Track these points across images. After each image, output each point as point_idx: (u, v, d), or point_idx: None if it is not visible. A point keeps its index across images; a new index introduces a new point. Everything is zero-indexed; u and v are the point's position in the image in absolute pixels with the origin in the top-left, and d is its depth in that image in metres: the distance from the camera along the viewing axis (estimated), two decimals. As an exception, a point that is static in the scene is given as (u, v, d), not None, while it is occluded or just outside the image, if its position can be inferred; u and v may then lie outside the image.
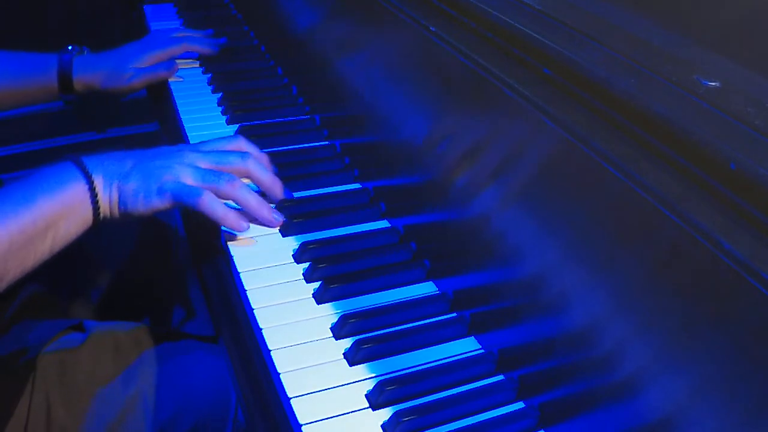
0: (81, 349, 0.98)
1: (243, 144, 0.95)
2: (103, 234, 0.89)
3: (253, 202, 0.90)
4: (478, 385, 0.73)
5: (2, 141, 2.10)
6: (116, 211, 0.88)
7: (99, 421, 0.94)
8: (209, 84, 1.28)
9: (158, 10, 1.62)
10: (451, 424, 0.69)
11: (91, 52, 1.31)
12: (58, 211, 0.83)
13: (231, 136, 0.97)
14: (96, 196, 0.85)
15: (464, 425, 0.68)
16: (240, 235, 0.90)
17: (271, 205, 0.93)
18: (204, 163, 0.90)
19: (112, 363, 0.98)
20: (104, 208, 0.87)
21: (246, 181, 0.92)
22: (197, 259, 0.97)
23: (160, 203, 0.87)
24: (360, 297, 0.82)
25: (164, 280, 1.29)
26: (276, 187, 0.94)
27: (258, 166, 0.92)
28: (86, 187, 0.85)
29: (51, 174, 0.85)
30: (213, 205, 0.86)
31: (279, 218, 0.92)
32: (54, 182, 0.84)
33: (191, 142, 1.11)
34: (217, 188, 0.88)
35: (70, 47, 1.29)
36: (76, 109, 1.34)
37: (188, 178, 0.87)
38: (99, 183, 0.86)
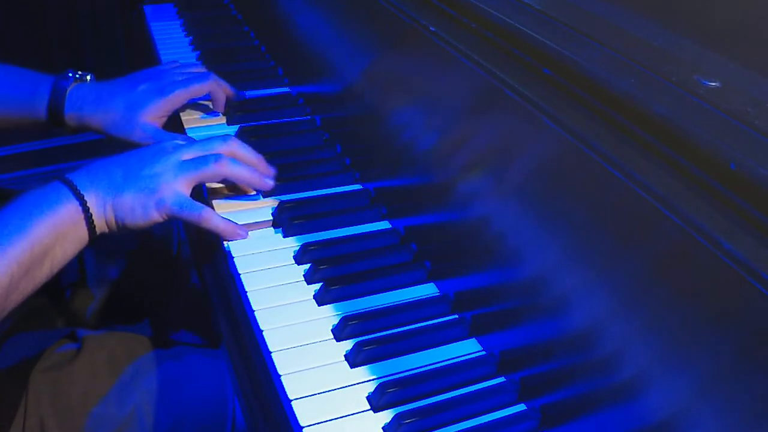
0: (74, 365, 0.97)
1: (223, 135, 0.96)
2: (101, 238, 0.88)
3: (245, 172, 0.92)
4: (480, 387, 0.72)
5: (2, 141, 2.10)
6: (114, 227, 0.87)
7: None
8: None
9: (158, 10, 1.61)
10: (453, 426, 0.69)
11: (96, 80, 1.12)
12: (54, 237, 0.81)
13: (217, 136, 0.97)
14: (90, 216, 0.84)
15: (465, 427, 0.68)
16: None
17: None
18: (189, 154, 0.90)
19: (107, 377, 0.96)
20: (100, 225, 0.86)
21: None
22: (197, 260, 0.98)
23: (159, 216, 0.87)
24: (361, 298, 0.82)
25: (162, 284, 1.28)
26: (261, 163, 0.95)
27: (241, 144, 0.93)
28: (79, 208, 0.84)
29: (42, 198, 0.83)
30: (213, 219, 0.87)
31: (271, 182, 0.94)
32: (46, 207, 0.82)
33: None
34: (206, 171, 0.88)
35: (70, 73, 1.10)
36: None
37: (182, 183, 0.87)
38: (92, 202, 0.85)
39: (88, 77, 1.11)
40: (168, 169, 0.87)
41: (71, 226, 0.83)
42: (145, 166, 0.87)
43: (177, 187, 0.87)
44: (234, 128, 1.14)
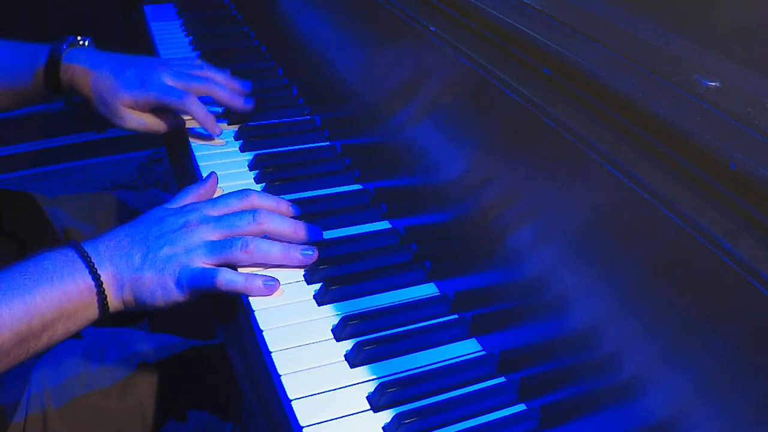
0: (78, 359, 0.97)
1: (255, 199, 0.88)
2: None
3: (277, 255, 0.84)
4: (480, 387, 0.73)
5: (2, 141, 2.10)
6: (132, 306, 0.81)
7: None
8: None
9: (158, 10, 1.61)
10: (453, 426, 0.69)
11: (96, 47, 1.14)
12: (57, 314, 0.76)
13: (240, 191, 0.90)
14: (105, 297, 0.79)
15: (465, 427, 0.68)
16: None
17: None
18: (214, 235, 0.83)
19: (110, 373, 0.97)
20: (115, 305, 0.80)
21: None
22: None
23: (181, 297, 0.81)
24: (361, 298, 0.82)
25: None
26: (300, 233, 0.87)
27: (272, 218, 0.85)
28: (94, 288, 0.78)
29: (54, 268, 0.77)
30: (232, 282, 0.80)
31: (312, 254, 0.85)
32: (57, 279, 0.77)
33: (194, 150, 1.10)
34: (233, 259, 0.82)
35: (71, 37, 1.11)
36: (76, 108, 1.24)
37: (202, 260, 0.81)
38: (108, 281, 0.79)
39: (86, 42, 1.13)
40: (190, 249, 0.81)
41: (80, 305, 0.78)
42: (165, 245, 0.82)
43: (193, 264, 0.81)
44: (234, 128, 1.14)
